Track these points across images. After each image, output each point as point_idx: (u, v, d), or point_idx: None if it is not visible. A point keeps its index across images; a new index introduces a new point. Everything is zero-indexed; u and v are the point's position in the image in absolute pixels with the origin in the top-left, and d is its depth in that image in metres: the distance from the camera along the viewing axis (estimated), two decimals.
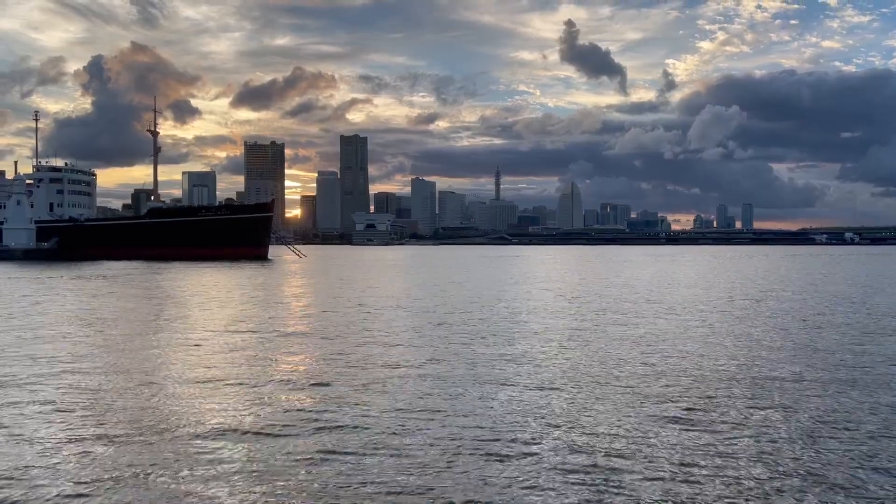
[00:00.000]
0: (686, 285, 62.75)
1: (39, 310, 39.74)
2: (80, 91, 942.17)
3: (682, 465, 12.83)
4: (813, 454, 13.46)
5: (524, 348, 25.81)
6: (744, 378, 20.36)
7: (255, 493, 11.58)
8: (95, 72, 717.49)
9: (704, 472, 12.50)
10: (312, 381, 19.82)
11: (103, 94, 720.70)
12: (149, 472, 12.46)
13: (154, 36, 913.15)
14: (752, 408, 16.89)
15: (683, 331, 30.87)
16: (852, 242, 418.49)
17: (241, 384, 19.41)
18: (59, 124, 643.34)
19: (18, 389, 18.69)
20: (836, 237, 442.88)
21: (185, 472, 12.43)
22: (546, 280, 71.81)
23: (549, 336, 29.08)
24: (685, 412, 16.47)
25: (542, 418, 15.90)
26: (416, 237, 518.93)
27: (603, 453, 13.47)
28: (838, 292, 53.63)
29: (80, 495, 11.41)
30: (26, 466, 12.67)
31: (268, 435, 14.59)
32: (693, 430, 14.98)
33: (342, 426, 15.22)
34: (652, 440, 14.29)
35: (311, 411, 16.50)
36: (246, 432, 14.77)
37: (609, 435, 14.62)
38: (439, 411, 16.49)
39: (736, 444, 14.02)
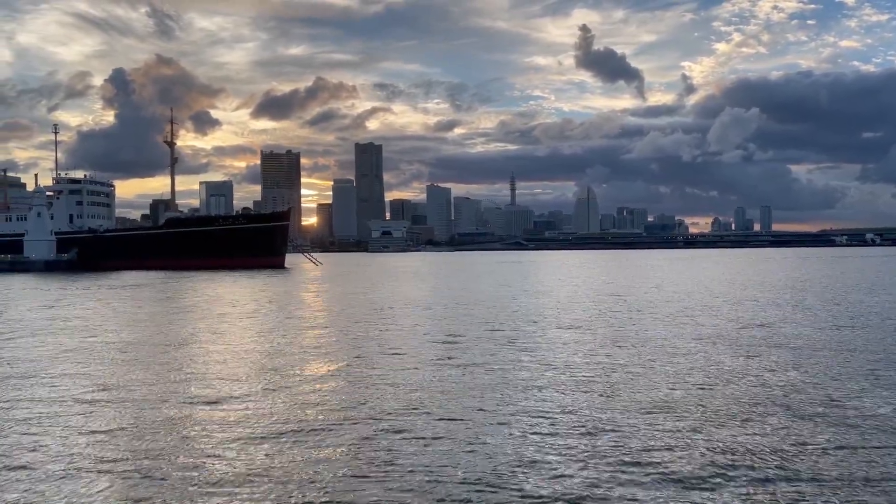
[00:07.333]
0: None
1: (79, 322, 38.27)
2: (102, 104, 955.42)
3: None
4: None
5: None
6: None
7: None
8: (119, 84, 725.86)
9: None
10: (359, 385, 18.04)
11: (126, 106, 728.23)
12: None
13: (170, 48, 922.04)
14: None
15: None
16: (873, 244, 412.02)
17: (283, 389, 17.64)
18: (81, 136, 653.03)
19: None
20: (856, 238, 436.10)
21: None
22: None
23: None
24: None
25: None
26: (431, 244, 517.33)
27: None
28: None
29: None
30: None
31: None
32: None
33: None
34: None
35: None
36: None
37: None
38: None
39: None
